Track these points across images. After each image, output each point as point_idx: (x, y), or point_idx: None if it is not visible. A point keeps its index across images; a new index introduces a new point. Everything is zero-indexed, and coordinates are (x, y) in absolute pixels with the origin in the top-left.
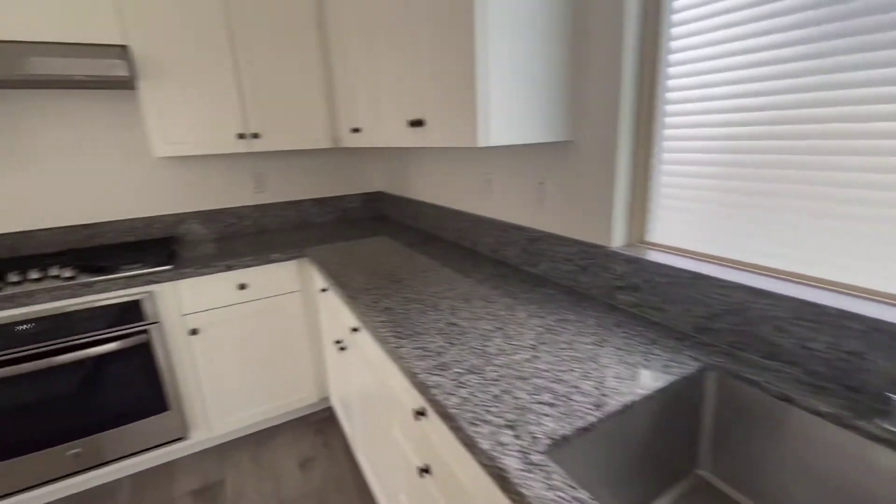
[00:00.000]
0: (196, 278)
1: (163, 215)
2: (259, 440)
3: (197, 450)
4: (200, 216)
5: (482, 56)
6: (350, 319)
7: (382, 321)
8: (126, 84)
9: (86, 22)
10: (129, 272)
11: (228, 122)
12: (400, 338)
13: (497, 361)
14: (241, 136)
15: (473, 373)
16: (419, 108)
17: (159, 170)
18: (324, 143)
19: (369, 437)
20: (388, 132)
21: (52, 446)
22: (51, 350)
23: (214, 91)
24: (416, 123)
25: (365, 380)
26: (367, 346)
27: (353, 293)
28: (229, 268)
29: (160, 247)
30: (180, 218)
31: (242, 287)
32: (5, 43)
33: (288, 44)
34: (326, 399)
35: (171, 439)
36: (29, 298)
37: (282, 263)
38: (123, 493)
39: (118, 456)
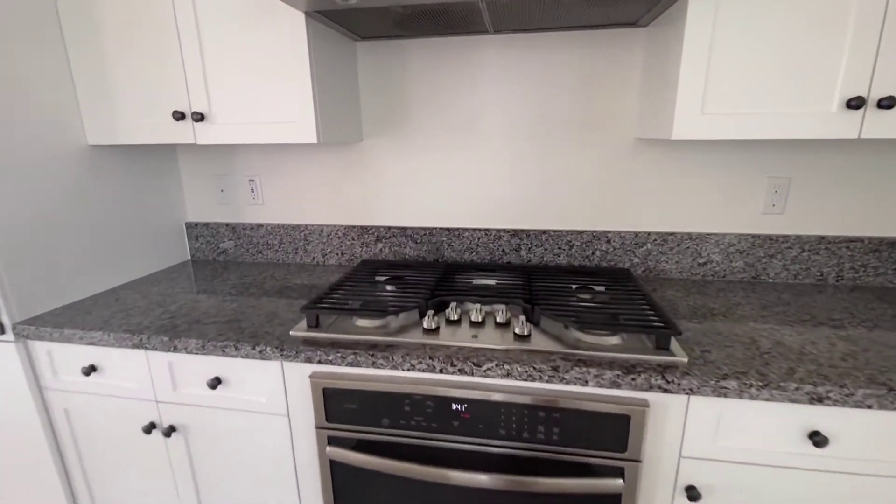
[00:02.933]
0: (728, 399)
1: (610, 231)
2: None
3: None
4: (661, 241)
5: None
6: None
7: None
8: (636, 17)
9: None
10: (616, 352)
11: (833, 73)
12: None
13: None
14: (852, 105)
15: None
16: None
17: (620, 161)
18: None
19: None
20: None
21: None
22: (476, 451)
23: (826, 8)
24: None
25: None
26: None
27: None
28: (815, 400)
29: (618, 284)
30: (638, 240)
31: (816, 441)
32: None
33: None
34: None
35: None
36: (477, 367)
37: None
38: None
39: None
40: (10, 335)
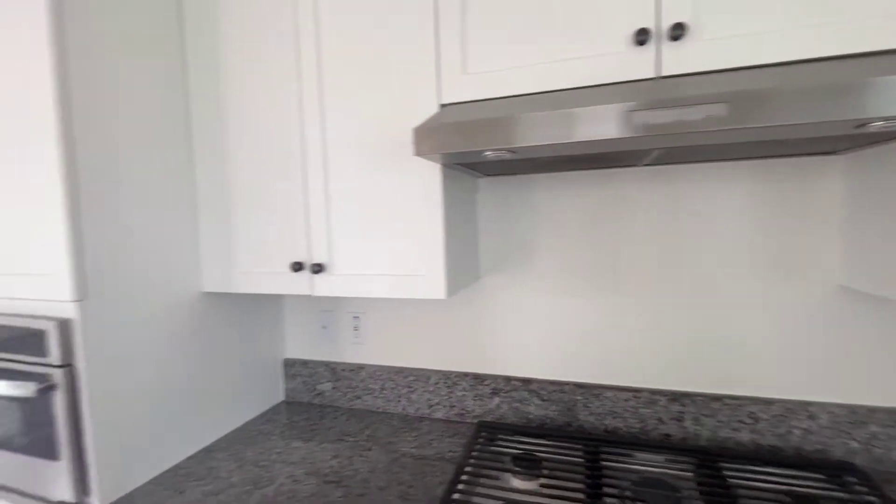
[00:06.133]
0: None
1: (812, 403)
2: None
3: None
4: (891, 420)
5: None
6: None
7: None
8: None
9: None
10: None
11: None
12: None
13: None
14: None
15: None
16: None
17: (819, 312)
18: None
19: None
20: None
21: None
22: None
23: None
24: None
25: None
26: None
27: None
28: None
29: (851, 494)
30: (856, 418)
31: None
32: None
33: None
34: None
35: None
36: None
37: None
38: None
39: None
40: None
